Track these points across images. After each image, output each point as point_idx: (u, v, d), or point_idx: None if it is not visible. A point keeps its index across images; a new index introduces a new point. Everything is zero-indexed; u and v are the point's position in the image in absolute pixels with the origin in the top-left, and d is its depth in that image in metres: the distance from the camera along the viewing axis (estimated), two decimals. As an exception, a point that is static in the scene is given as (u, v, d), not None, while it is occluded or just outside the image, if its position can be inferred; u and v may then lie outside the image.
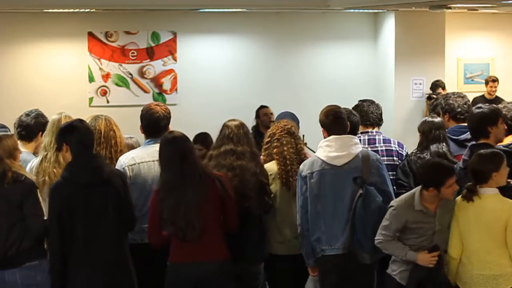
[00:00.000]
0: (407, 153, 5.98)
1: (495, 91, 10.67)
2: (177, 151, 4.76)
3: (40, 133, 5.72)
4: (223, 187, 4.85)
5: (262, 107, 9.37)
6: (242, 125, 5.40)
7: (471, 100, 10.34)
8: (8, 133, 5.32)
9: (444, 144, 5.72)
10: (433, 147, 5.74)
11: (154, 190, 4.84)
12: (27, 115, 5.82)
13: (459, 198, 4.83)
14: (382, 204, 4.99)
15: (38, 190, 4.93)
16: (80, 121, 4.82)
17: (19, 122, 5.82)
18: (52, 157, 5.19)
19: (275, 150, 5.43)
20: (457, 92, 6.55)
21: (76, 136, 4.64)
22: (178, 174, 4.73)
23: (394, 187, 5.55)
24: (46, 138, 5.32)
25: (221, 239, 4.86)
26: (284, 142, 5.43)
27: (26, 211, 4.78)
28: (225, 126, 5.37)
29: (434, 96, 9.43)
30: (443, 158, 5.66)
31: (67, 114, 5.48)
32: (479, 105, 5.77)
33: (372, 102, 6.13)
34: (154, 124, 5.37)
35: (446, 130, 5.88)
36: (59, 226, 4.56)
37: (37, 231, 4.79)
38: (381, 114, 6.12)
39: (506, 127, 5.65)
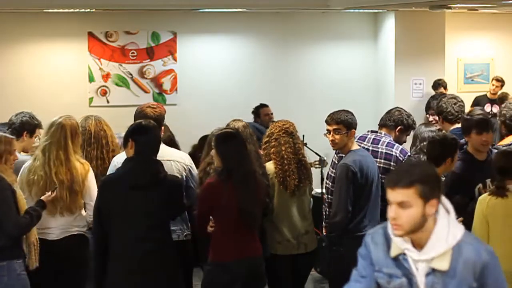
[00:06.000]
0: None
1: (496, 91, 10.64)
2: (243, 145, 4.87)
3: (26, 133, 5.68)
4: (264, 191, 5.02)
5: (262, 105, 9.28)
6: (247, 126, 5.51)
7: (472, 100, 10.40)
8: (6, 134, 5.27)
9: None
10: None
11: (210, 182, 4.81)
12: (17, 115, 5.85)
13: (484, 195, 4.77)
14: None
15: (11, 191, 4.77)
16: (153, 124, 4.82)
17: (9, 121, 5.86)
18: (42, 158, 5.11)
19: (272, 150, 5.39)
20: (450, 94, 6.58)
21: (145, 137, 4.61)
22: (248, 166, 4.82)
23: None
24: (42, 139, 5.28)
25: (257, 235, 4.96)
26: (282, 142, 5.39)
27: None
28: (230, 125, 5.41)
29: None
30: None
31: (69, 116, 5.34)
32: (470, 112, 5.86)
33: (403, 111, 6.04)
34: None
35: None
36: (100, 218, 4.57)
37: (8, 232, 4.67)
38: (394, 119, 5.90)
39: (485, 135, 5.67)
